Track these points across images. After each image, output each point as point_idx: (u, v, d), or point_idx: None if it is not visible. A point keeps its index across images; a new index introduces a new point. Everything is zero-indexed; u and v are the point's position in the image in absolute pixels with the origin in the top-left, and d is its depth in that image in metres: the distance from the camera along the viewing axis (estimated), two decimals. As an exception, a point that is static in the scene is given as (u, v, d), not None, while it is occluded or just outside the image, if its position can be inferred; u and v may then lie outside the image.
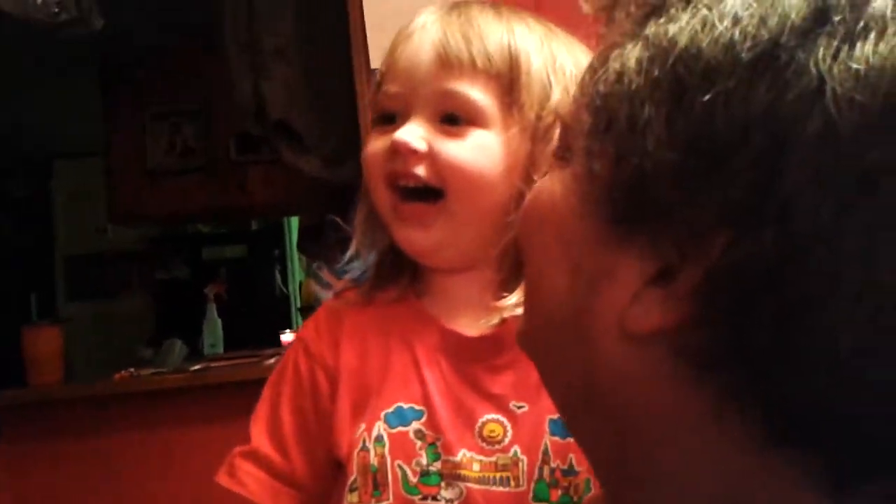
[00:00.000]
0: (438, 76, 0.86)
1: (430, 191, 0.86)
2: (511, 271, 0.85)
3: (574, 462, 0.83)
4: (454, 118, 0.86)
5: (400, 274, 0.93)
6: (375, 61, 2.31)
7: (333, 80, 2.57)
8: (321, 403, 0.89)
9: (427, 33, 0.87)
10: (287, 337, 3.37)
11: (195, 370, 2.41)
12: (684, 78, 0.43)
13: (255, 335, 3.63)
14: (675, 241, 0.42)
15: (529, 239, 0.55)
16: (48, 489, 2.39)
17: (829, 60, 0.39)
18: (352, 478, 0.85)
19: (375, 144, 0.88)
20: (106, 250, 5.03)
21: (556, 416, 0.83)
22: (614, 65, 0.47)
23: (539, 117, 0.86)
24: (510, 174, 0.86)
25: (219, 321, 3.70)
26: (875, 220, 0.38)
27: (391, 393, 0.87)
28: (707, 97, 0.41)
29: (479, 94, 0.85)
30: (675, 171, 0.42)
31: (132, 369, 2.54)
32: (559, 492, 0.83)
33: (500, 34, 0.87)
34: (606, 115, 0.46)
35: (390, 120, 0.88)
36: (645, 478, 0.48)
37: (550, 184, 0.53)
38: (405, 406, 0.86)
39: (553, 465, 0.83)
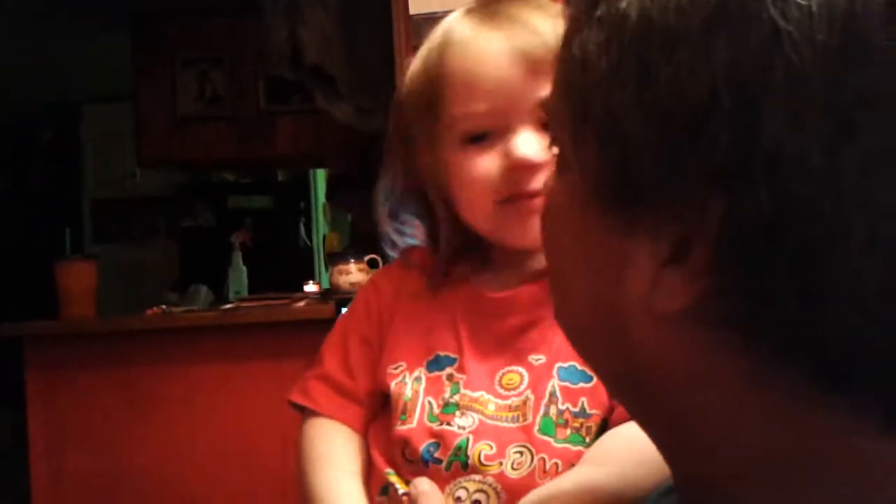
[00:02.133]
0: (533, 87, 0.86)
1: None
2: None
3: (586, 405, 0.87)
4: None
5: (464, 257, 0.97)
6: (413, 7, 2.31)
7: (370, 27, 2.57)
8: (382, 334, 0.98)
9: (494, 43, 0.87)
10: (311, 287, 3.41)
11: (226, 309, 2.44)
12: (644, 53, 0.42)
13: (278, 285, 3.66)
14: (677, 218, 0.42)
15: (549, 244, 0.55)
16: (77, 418, 2.44)
17: (779, 4, 0.38)
18: (395, 410, 0.92)
19: (480, 165, 0.89)
20: (133, 196, 5.07)
21: (566, 363, 0.88)
22: (576, 52, 0.47)
23: None
24: None
25: (244, 269, 3.72)
26: (865, 154, 0.37)
27: (433, 344, 0.94)
28: (669, 68, 0.41)
29: None
30: (656, 148, 0.42)
31: (164, 306, 2.58)
32: (568, 431, 0.86)
33: (551, 27, 0.86)
34: (581, 105, 0.46)
35: (480, 138, 0.89)
36: (709, 449, 0.48)
37: (556, 190, 0.53)
38: (442, 354, 0.93)
39: (562, 406, 0.87)
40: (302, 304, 2.36)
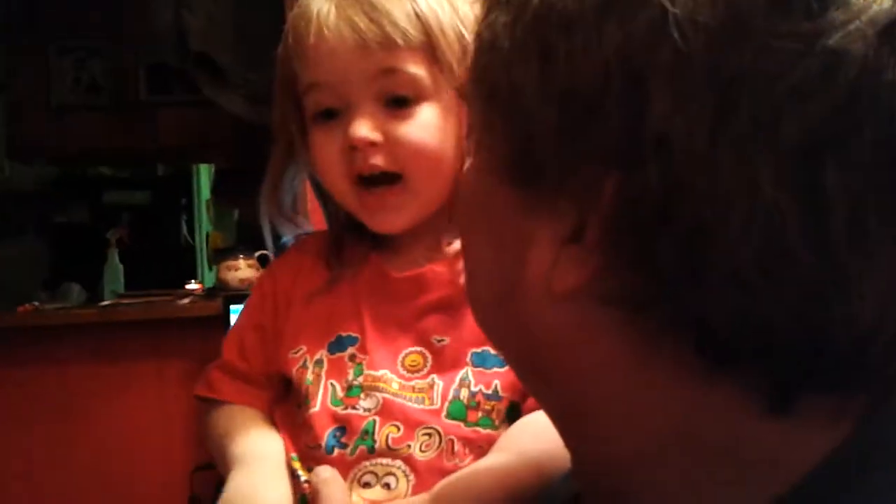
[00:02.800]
0: (365, 62, 0.86)
1: (390, 175, 0.88)
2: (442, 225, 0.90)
3: (499, 388, 0.87)
4: (398, 99, 0.87)
5: (356, 238, 0.97)
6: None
7: (260, 12, 2.49)
8: (278, 320, 0.97)
9: (331, 21, 0.87)
10: (193, 286, 3.32)
11: (104, 306, 2.31)
12: (544, 33, 0.43)
13: (158, 284, 3.53)
14: (573, 198, 0.43)
15: (462, 225, 0.57)
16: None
17: None
18: (297, 396, 0.91)
19: (326, 143, 0.90)
20: (1, 190, 4.80)
21: (479, 349, 0.88)
22: (486, 34, 0.48)
23: (462, 70, 0.87)
24: (458, 137, 0.88)
25: (121, 266, 3.59)
26: (744, 134, 0.38)
27: (334, 325, 0.93)
28: (566, 48, 0.42)
29: (411, 69, 0.87)
30: (555, 127, 0.43)
31: (36, 303, 2.43)
32: (479, 413, 0.87)
33: (400, 3, 0.86)
34: (488, 85, 0.47)
35: (329, 115, 0.89)
36: (604, 432, 0.49)
37: (468, 172, 0.55)
38: (344, 335, 0.92)
39: (474, 388, 0.87)
40: (186, 300, 2.25)
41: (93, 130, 3.82)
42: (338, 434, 0.87)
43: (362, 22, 0.85)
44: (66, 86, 3.84)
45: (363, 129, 0.86)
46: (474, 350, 0.89)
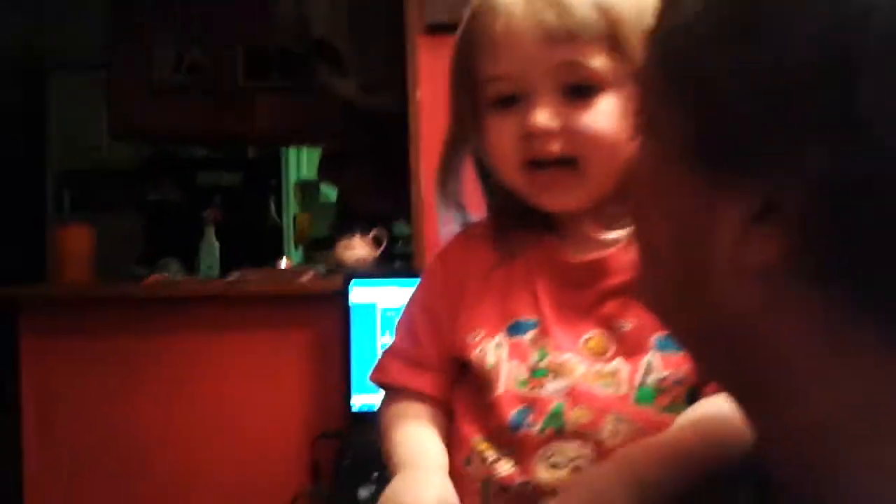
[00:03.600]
0: (549, 54, 0.87)
1: (564, 160, 0.89)
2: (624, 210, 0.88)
3: (686, 374, 0.87)
4: (579, 89, 0.88)
5: (525, 222, 0.98)
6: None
7: (379, 1, 2.56)
8: (451, 303, 0.98)
9: (518, 12, 0.88)
10: (282, 264, 3.38)
11: (230, 281, 2.40)
12: (746, 15, 0.44)
13: (248, 263, 3.61)
14: (770, 175, 0.44)
15: (637, 210, 0.58)
16: (70, 387, 2.38)
17: None
18: (477, 378, 0.93)
19: (502, 129, 0.91)
20: (99, 168, 4.94)
21: (663, 333, 0.87)
22: (675, 20, 0.49)
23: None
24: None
25: (216, 245, 3.67)
26: None
27: (511, 310, 0.94)
28: (772, 28, 0.43)
29: (593, 62, 0.87)
30: (756, 106, 0.44)
31: (165, 274, 2.53)
32: (668, 399, 0.87)
33: None
34: (678, 69, 0.48)
35: (509, 101, 0.91)
36: (791, 403, 0.50)
37: (644, 158, 0.55)
38: (522, 319, 0.93)
39: (662, 373, 0.88)
40: (308, 276, 2.33)
41: (191, 111, 3.88)
42: (523, 413, 0.88)
43: (548, 15, 0.86)
44: (168, 66, 3.90)
45: (542, 117, 0.88)
46: (659, 334, 0.88)
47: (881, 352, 0.45)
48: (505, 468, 0.89)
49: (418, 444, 0.94)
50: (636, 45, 0.85)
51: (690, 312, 0.54)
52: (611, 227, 0.92)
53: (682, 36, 0.48)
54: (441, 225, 1.06)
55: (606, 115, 0.88)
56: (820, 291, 0.45)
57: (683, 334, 0.59)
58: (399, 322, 1.04)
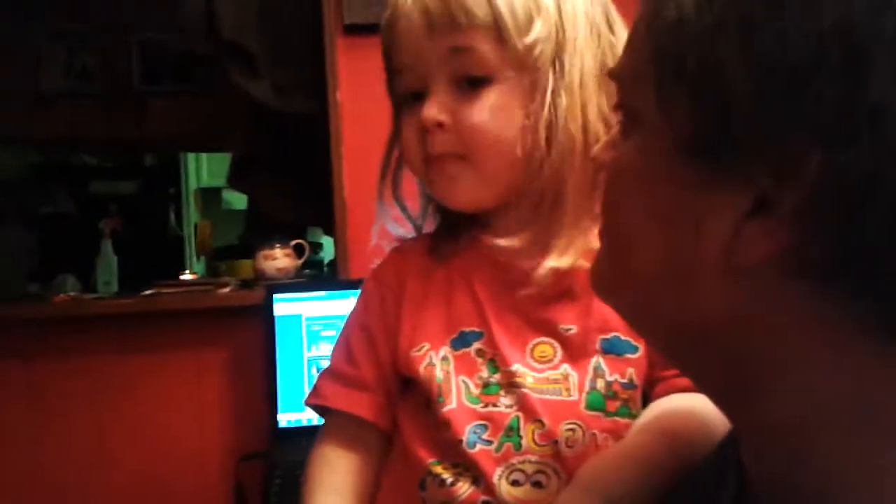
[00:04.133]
0: (434, 42, 0.88)
1: (457, 154, 0.90)
2: (545, 212, 0.91)
3: (634, 376, 0.88)
4: (471, 80, 0.88)
5: (459, 225, 0.98)
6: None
7: (293, 1, 2.47)
8: (388, 319, 0.97)
9: (407, 4, 0.89)
10: (186, 276, 3.27)
11: (146, 295, 2.27)
12: (749, 9, 0.44)
13: (148, 276, 3.47)
14: (769, 170, 0.44)
15: (615, 209, 0.57)
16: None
17: None
18: (426, 394, 0.91)
19: (408, 124, 0.92)
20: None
21: (608, 335, 0.89)
22: (670, 13, 0.48)
23: (527, 48, 0.88)
24: (523, 117, 0.89)
25: (114, 258, 3.51)
26: None
27: (454, 321, 0.93)
28: (777, 23, 0.42)
29: (477, 47, 0.87)
30: (759, 100, 0.43)
31: (72, 293, 2.38)
32: (618, 403, 0.87)
33: None
34: (674, 62, 0.48)
35: (418, 96, 0.91)
36: (766, 395, 0.50)
37: (625, 152, 0.55)
38: (467, 330, 0.92)
39: (610, 378, 0.87)
40: (227, 290, 2.22)
41: (81, 119, 3.71)
42: (478, 430, 0.87)
43: (431, 3, 0.87)
44: (58, 72, 3.73)
45: (431, 111, 0.88)
46: (603, 336, 0.89)
47: (872, 349, 0.45)
48: (465, 489, 0.86)
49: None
50: (520, 33, 0.87)
51: (672, 309, 0.53)
52: (545, 233, 0.91)
53: (680, 29, 0.47)
54: (374, 232, 1.04)
55: (493, 109, 0.88)
56: (812, 288, 0.45)
57: (659, 331, 0.58)
58: (336, 344, 1.02)
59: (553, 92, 0.88)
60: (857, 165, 0.41)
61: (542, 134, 0.88)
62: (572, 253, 0.89)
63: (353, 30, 2.22)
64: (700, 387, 0.59)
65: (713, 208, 0.47)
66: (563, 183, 0.89)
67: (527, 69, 0.88)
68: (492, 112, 0.88)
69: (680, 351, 0.57)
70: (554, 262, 0.89)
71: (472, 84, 0.88)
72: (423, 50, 0.89)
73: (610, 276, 0.59)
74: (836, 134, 0.41)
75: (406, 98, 0.93)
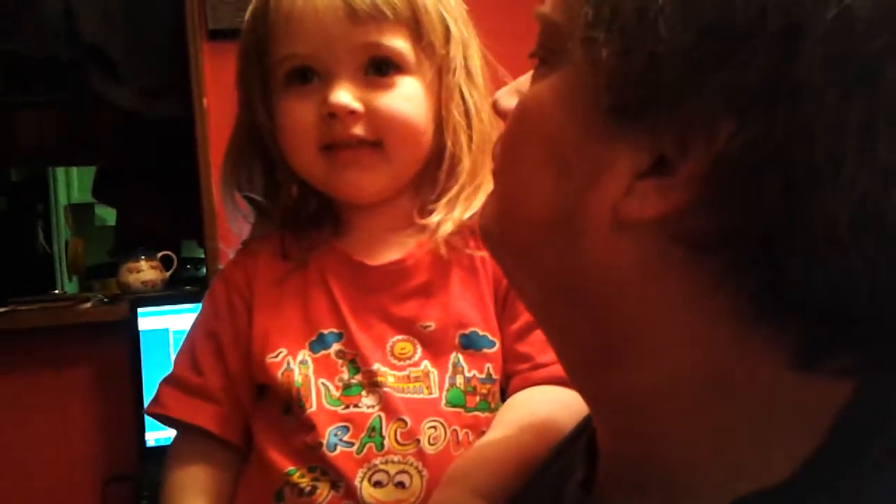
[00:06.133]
0: (352, 33, 0.87)
1: (368, 143, 0.90)
2: (437, 191, 0.93)
3: (492, 371, 0.89)
4: (380, 67, 0.89)
5: (316, 223, 0.98)
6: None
7: (156, 5, 2.40)
8: (238, 325, 0.94)
9: None
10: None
11: (1, 312, 2.16)
12: None
13: (15, 295, 3.32)
14: (677, 131, 0.44)
15: (514, 149, 0.56)
16: None
17: None
18: (284, 400, 0.90)
19: (299, 110, 0.90)
20: None
21: (466, 330, 0.89)
22: None
23: (446, 52, 0.91)
24: (432, 113, 0.91)
25: (-22, 276, 3.35)
26: (878, 101, 0.40)
27: (312, 323, 0.91)
28: None
29: (396, 42, 0.88)
30: (689, 56, 0.43)
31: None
32: (477, 398, 0.88)
33: None
34: (610, 6, 0.46)
35: (302, 78, 0.90)
36: (627, 360, 0.51)
37: (537, 91, 0.54)
38: (325, 332, 0.91)
39: (469, 374, 0.88)
40: (88, 305, 2.13)
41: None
42: (339, 433, 0.86)
43: None
44: (-89, 82, 3.53)
45: (345, 96, 0.87)
46: (461, 332, 0.89)
47: (738, 329, 0.45)
48: (324, 496, 0.84)
49: None
50: (437, 37, 0.88)
51: (554, 256, 0.52)
52: (403, 222, 0.92)
53: None
54: (235, 232, 1.01)
55: (408, 97, 0.89)
56: (693, 256, 0.45)
57: (538, 280, 0.57)
58: (180, 350, 0.98)
59: (462, 85, 0.90)
60: (766, 140, 0.41)
61: (451, 126, 0.90)
62: (461, 209, 0.90)
63: (218, 35, 2.18)
64: (565, 352, 0.58)
65: (612, 161, 0.47)
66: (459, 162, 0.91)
67: (436, 62, 0.90)
68: (409, 100, 0.89)
69: (554, 308, 0.57)
70: (440, 216, 0.90)
71: (381, 72, 0.89)
72: (334, 39, 0.87)
73: (499, 219, 0.58)
74: (754, 105, 0.41)
75: (290, 80, 0.90)
